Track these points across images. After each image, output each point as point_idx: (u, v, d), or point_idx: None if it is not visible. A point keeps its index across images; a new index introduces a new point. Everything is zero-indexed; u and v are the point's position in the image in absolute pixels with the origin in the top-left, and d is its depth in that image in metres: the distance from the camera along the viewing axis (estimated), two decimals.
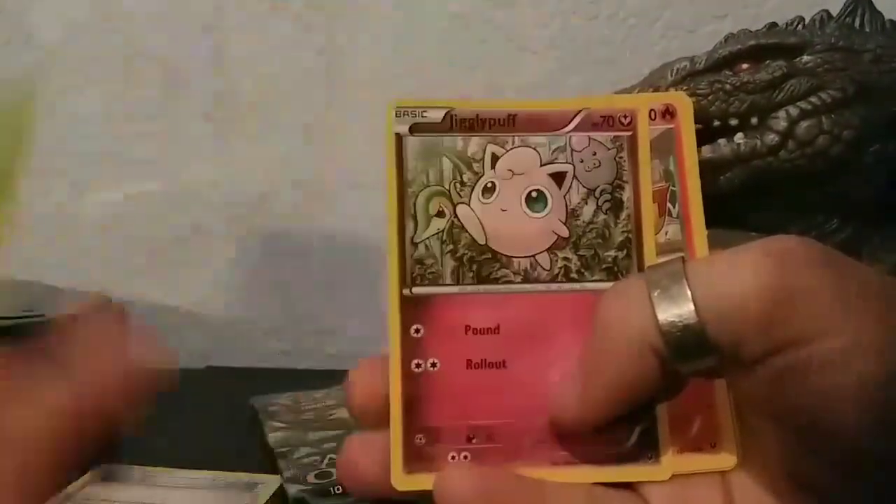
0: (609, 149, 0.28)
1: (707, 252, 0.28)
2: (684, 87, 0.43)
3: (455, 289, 0.28)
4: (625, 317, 0.24)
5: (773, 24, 0.45)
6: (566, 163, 0.28)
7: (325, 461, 0.47)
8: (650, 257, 0.28)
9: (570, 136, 0.29)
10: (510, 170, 0.28)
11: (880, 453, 0.23)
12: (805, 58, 0.42)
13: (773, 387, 0.23)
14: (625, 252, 0.28)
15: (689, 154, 0.29)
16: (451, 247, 0.28)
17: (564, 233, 0.28)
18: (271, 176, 0.73)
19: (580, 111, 0.28)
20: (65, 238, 0.77)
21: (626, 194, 0.28)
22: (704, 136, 0.43)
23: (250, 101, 0.74)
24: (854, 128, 0.41)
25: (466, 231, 0.28)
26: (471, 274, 0.28)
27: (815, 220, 0.44)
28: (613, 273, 0.28)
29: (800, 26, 0.44)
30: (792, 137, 0.42)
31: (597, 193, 0.28)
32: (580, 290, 0.27)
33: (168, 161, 0.76)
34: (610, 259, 0.28)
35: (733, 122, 0.43)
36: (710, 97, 0.43)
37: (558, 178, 0.28)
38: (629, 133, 0.29)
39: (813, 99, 0.42)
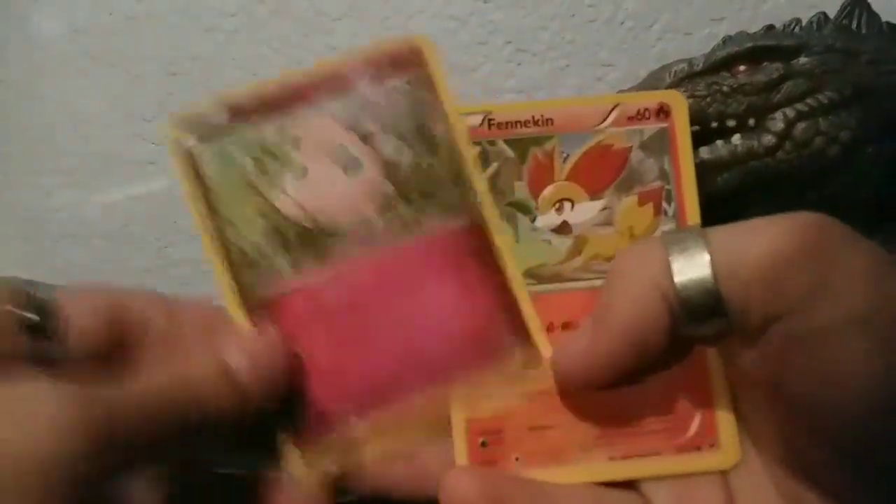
0: (406, 91, 0.28)
1: None
2: (682, 89, 0.44)
3: (299, 281, 0.27)
4: (641, 268, 0.24)
5: (771, 27, 0.45)
6: (369, 119, 0.28)
7: None
8: (479, 184, 0.27)
9: (366, 91, 0.28)
10: (315, 144, 0.27)
11: (884, 435, 0.22)
12: (802, 60, 0.43)
13: (778, 358, 0.23)
14: (454, 186, 0.27)
15: (685, 153, 0.28)
16: (280, 241, 0.27)
17: (389, 188, 0.27)
18: None
19: (365, 63, 0.28)
20: (67, 239, 0.78)
21: (438, 129, 0.27)
22: (702, 137, 0.43)
23: None
24: (851, 129, 0.42)
25: (291, 220, 0.27)
26: (310, 260, 0.27)
27: None
28: (450, 209, 0.27)
29: (797, 28, 0.44)
30: (789, 138, 0.42)
31: (409, 138, 0.28)
32: (423, 236, 0.27)
33: (170, 162, 0.77)
34: (441, 198, 0.27)
35: (731, 123, 0.43)
36: (707, 99, 0.43)
37: (365, 136, 0.28)
38: (421, 69, 0.28)
39: (810, 100, 0.42)
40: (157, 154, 0.75)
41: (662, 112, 0.29)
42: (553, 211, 0.28)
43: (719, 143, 0.43)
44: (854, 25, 0.44)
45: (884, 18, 0.45)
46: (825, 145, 0.42)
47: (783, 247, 0.23)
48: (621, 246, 0.28)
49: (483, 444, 0.27)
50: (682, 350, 0.26)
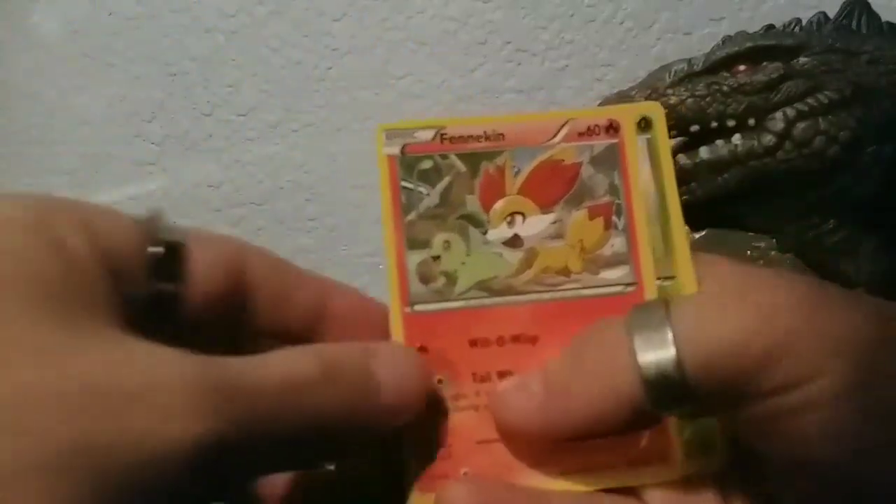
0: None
1: (652, 264, 0.27)
2: (682, 89, 0.44)
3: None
4: (603, 360, 0.24)
5: (771, 27, 0.45)
6: None
7: None
8: None
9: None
10: None
11: (871, 482, 0.23)
12: (802, 59, 0.43)
13: (755, 430, 0.23)
14: None
15: (633, 168, 0.29)
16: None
17: None
18: (271, 176, 0.74)
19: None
20: None
21: None
22: (702, 137, 0.43)
23: (250, 101, 0.74)
24: (851, 129, 0.42)
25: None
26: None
27: (811, 220, 0.44)
28: None
29: (797, 28, 0.44)
30: (789, 138, 0.42)
31: None
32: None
33: (169, 162, 0.77)
34: None
35: (731, 123, 0.43)
36: (707, 98, 0.43)
37: None
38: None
39: (810, 100, 0.42)
40: (157, 154, 0.75)
41: (612, 128, 0.29)
42: (504, 224, 0.28)
43: (719, 142, 0.43)
44: (854, 25, 0.44)
45: (884, 18, 0.45)
46: (825, 145, 0.42)
47: (750, 329, 0.22)
48: (572, 259, 0.28)
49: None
50: (650, 422, 0.25)
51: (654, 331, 0.23)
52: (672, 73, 0.45)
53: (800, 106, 0.42)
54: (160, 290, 0.24)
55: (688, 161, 0.43)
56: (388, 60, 0.71)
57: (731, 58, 0.44)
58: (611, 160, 0.29)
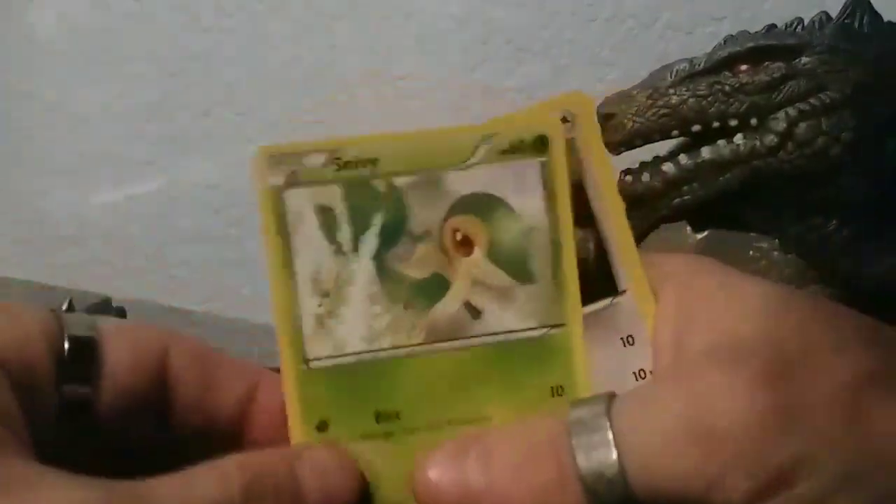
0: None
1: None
2: (684, 89, 0.43)
3: None
4: (542, 461, 0.23)
5: (772, 26, 0.45)
6: None
7: None
8: None
9: None
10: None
11: None
12: (804, 59, 0.42)
13: None
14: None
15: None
16: None
17: None
18: None
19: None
20: (65, 239, 0.78)
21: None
22: (704, 137, 0.43)
23: (250, 100, 0.74)
24: (853, 129, 0.41)
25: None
26: None
27: (814, 220, 0.44)
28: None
29: (799, 28, 0.44)
30: (791, 138, 0.42)
31: None
32: None
33: (168, 162, 0.77)
34: None
35: (733, 123, 0.43)
36: (709, 98, 0.43)
37: None
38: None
39: (812, 100, 0.42)
40: (156, 154, 0.75)
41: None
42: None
43: (721, 142, 0.43)
44: (856, 25, 0.43)
45: (885, 18, 0.44)
46: (827, 145, 0.42)
47: (696, 436, 0.21)
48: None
49: None
50: None
51: (594, 430, 0.22)
52: (674, 73, 0.44)
53: (802, 106, 0.42)
54: (71, 395, 0.24)
55: (689, 161, 0.43)
56: (388, 59, 0.71)
57: (733, 57, 0.43)
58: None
